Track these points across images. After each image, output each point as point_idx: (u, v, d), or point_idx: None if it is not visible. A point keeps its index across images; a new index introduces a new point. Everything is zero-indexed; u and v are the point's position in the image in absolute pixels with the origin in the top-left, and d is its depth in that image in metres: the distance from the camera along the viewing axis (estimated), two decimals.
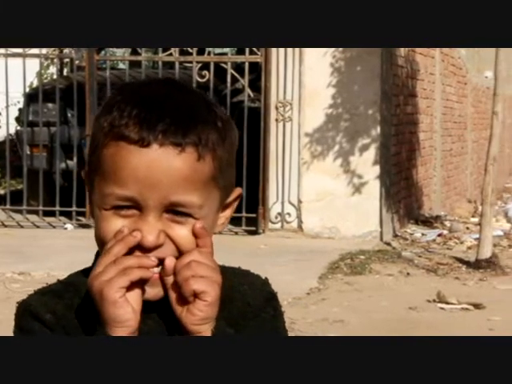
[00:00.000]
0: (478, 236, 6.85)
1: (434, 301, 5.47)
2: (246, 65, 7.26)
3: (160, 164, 1.01)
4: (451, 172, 10.60)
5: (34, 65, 8.96)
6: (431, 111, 9.49)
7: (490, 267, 6.47)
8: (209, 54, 7.40)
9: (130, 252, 1.02)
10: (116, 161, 1.02)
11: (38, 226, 7.69)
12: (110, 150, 1.02)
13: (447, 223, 8.54)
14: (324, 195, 7.38)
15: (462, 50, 11.12)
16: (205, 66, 7.33)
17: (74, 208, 7.57)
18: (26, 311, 1.07)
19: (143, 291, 1.03)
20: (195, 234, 1.03)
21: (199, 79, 7.26)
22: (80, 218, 7.67)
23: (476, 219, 8.51)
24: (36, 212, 7.78)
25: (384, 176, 7.52)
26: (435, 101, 9.70)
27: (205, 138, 1.03)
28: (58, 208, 7.65)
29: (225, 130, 1.06)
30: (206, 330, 1.03)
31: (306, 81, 7.35)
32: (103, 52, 7.85)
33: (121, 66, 8.69)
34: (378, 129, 7.38)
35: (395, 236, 7.72)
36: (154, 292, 1.04)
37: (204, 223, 1.04)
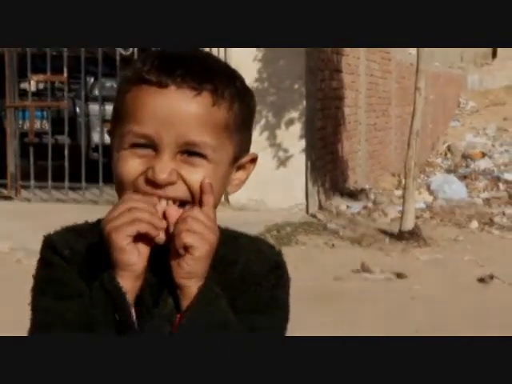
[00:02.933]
0: (401, 208, 6.97)
1: (358, 271, 5.54)
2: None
3: (176, 105, 1.07)
4: (376, 146, 10.74)
5: None
6: (356, 86, 9.57)
7: (412, 238, 6.60)
8: None
9: (144, 187, 1.07)
10: (136, 102, 1.08)
11: None
12: (132, 93, 1.09)
13: (372, 196, 8.66)
14: None
15: None
16: None
17: None
18: (48, 245, 1.14)
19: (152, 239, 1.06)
20: (201, 188, 1.08)
21: (123, 52, 7.13)
22: (1, 189, 7.50)
23: (400, 192, 8.66)
24: None
25: (310, 150, 7.56)
26: (360, 76, 9.78)
27: (221, 88, 1.09)
28: None
29: (243, 92, 1.12)
30: (192, 286, 1.06)
31: (232, 55, 7.31)
32: None
33: None
34: (304, 103, 7.40)
35: (321, 208, 7.79)
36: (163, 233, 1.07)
37: (216, 170, 1.09)
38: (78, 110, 7.69)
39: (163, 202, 1.07)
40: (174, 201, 1.08)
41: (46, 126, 7.54)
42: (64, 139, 7.34)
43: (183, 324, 1.05)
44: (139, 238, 1.05)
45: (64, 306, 1.09)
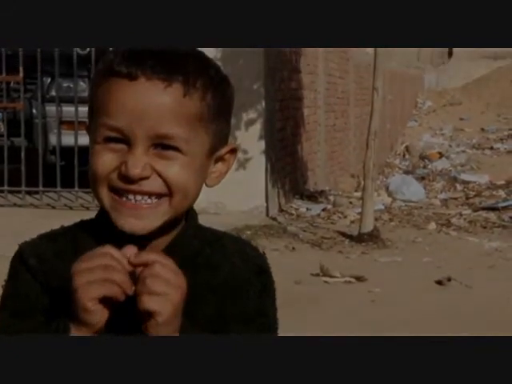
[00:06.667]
0: (360, 210, 7.00)
1: (318, 274, 5.55)
2: None
3: (147, 97, 1.04)
4: (335, 147, 10.78)
5: None
6: (315, 87, 9.59)
7: (371, 241, 6.63)
8: None
9: (117, 183, 1.05)
10: (107, 95, 1.06)
11: None
12: (103, 86, 1.07)
13: (331, 198, 8.68)
14: None
15: None
16: None
17: None
18: (17, 254, 1.12)
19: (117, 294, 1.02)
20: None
21: (80, 51, 7.06)
22: None
23: (359, 194, 8.70)
24: None
25: (269, 151, 7.55)
26: (319, 76, 9.81)
27: (193, 78, 1.06)
28: None
29: (218, 80, 1.10)
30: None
31: None
32: None
33: None
34: (263, 103, 7.39)
35: (281, 211, 7.79)
36: (142, 224, 1.06)
37: (191, 163, 1.06)
38: (34, 111, 7.57)
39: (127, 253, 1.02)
40: (150, 195, 1.06)
41: (2, 127, 7.41)
42: (20, 141, 7.23)
43: None
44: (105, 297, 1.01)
45: (20, 324, 1.07)
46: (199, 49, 1.13)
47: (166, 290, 1.00)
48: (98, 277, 1.00)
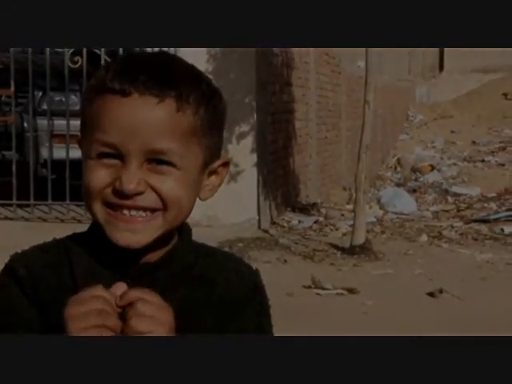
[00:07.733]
0: (352, 222, 7.00)
1: (310, 287, 5.55)
2: (120, 51, 7.11)
3: (140, 112, 1.05)
4: (327, 160, 10.79)
5: None
6: (306, 100, 9.62)
7: (363, 253, 6.63)
8: None
9: (112, 198, 1.06)
10: (100, 111, 1.06)
11: None
12: (96, 102, 1.07)
13: (323, 210, 8.69)
14: None
15: None
16: (78, 51, 7.13)
17: None
18: (7, 265, 1.11)
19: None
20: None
21: (71, 65, 7.06)
22: None
23: (351, 206, 8.70)
24: None
25: (261, 164, 7.56)
26: (310, 89, 9.84)
27: (186, 93, 1.07)
28: None
29: (210, 94, 1.11)
30: None
31: None
32: None
33: None
34: (255, 117, 7.40)
35: (273, 223, 7.79)
36: (136, 238, 1.06)
37: (185, 177, 1.07)
38: (25, 124, 7.56)
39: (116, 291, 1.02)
40: (145, 209, 1.06)
41: None
42: (11, 155, 7.21)
43: None
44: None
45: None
46: (194, 48, 1.15)
47: (150, 329, 0.98)
48: (93, 323, 0.99)
